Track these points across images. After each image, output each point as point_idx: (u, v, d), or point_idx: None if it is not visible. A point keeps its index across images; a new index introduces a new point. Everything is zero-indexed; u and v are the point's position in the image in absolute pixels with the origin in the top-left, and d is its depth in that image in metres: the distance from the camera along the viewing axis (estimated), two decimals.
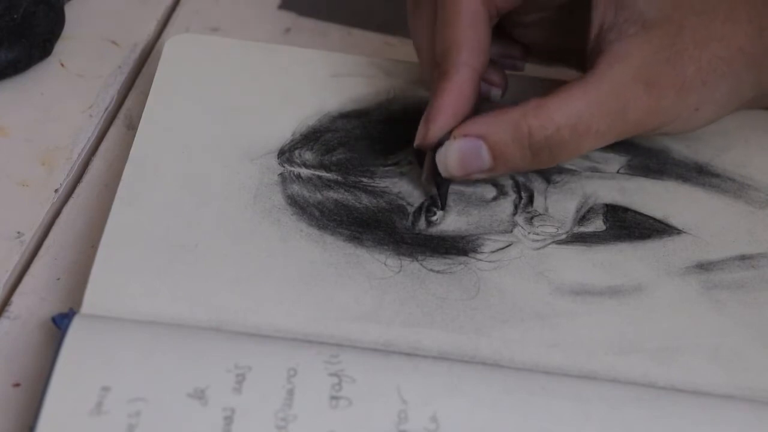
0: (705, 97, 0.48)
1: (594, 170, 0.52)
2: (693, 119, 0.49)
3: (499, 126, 0.46)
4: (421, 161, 0.50)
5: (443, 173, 0.48)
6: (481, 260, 0.47)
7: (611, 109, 0.46)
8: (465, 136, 0.46)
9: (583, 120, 0.46)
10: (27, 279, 0.46)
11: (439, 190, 0.49)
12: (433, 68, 0.49)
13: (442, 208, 0.49)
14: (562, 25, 0.52)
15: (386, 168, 0.51)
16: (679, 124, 0.49)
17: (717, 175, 0.52)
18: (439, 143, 0.47)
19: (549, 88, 0.47)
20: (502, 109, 0.47)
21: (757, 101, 0.51)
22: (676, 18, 0.47)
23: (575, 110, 0.46)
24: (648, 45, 0.46)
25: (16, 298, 0.45)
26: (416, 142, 0.48)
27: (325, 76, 0.55)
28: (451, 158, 0.47)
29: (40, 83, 0.55)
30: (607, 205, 0.50)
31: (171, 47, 0.55)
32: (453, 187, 0.50)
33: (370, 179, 0.50)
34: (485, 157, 0.46)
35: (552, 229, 0.49)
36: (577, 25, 0.49)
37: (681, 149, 0.53)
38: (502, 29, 0.52)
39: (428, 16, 0.50)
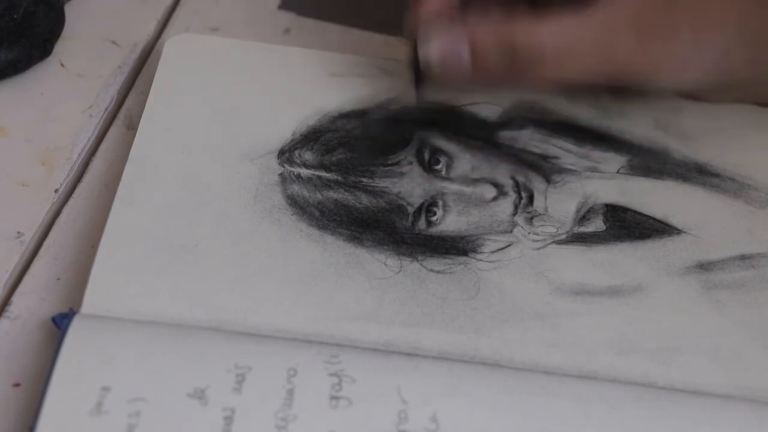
0: (694, 56, 0.48)
1: (594, 170, 0.52)
2: (679, 75, 0.49)
3: (485, 28, 0.47)
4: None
5: (422, 62, 0.48)
6: (481, 260, 0.47)
7: (598, 41, 0.46)
8: (449, 30, 0.47)
9: (568, 41, 0.46)
10: (27, 279, 0.46)
11: (416, 79, 0.49)
12: None
13: (417, 102, 0.49)
14: None
15: (386, 168, 0.51)
16: (664, 77, 0.49)
17: (717, 175, 0.52)
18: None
19: None
20: (490, 17, 0.47)
21: (751, 89, 0.51)
22: None
23: (562, 30, 0.46)
24: None
25: (16, 298, 0.45)
26: (410, 18, 0.49)
27: (325, 76, 0.55)
28: (433, 49, 0.47)
29: (40, 83, 0.55)
30: (607, 205, 0.50)
31: (171, 47, 0.55)
32: (452, 187, 0.50)
33: (370, 179, 0.50)
34: (464, 55, 0.47)
35: (552, 229, 0.49)
36: None
37: (681, 149, 0.53)
38: None
39: None
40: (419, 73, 0.49)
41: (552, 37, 0.46)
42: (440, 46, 0.47)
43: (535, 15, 0.47)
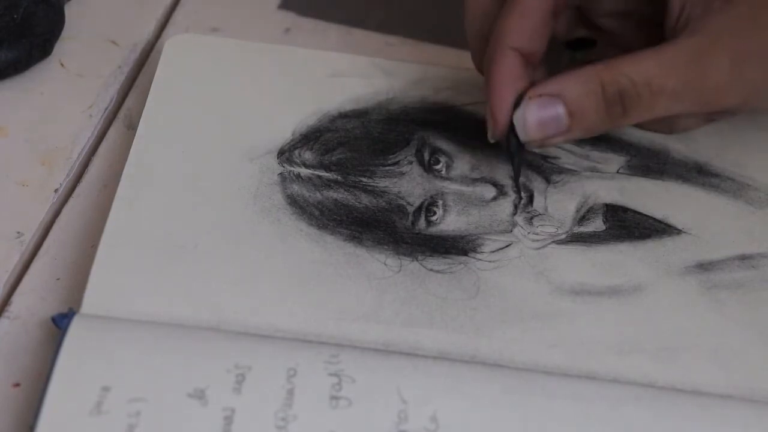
0: None
1: (594, 170, 0.52)
2: None
3: (572, 82, 0.46)
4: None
5: (522, 137, 0.47)
6: (481, 260, 0.47)
7: (688, 71, 0.46)
8: (540, 96, 0.46)
9: (658, 78, 0.45)
10: (27, 279, 0.46)
11: (513, 161, 0.49)
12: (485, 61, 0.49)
13: (516, 180, 0.49)
14: (641, 14, 0.51)
15: (386, 168, 0.51)
16: (762, 99, 0.48)
17: (717, 175, 0.52)
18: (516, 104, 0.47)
19: None
20: (572, 69, 0.47)
21: None
22: None
23: (648, 67, 0.46)
24: (730, 17, 0.46)
25: (16, 298, 0.45)
26: (490, 138, 0.48)
27: (325, 76, 0.55)
28: (528, 121, 0.47)
29: (40, 83, 0.55)
30: (606, 205, 0.50)
31: (171, 47, 0.55)
32: (452, 187, 0.50)
33: (369, 179, 0.50)
34: (562, 117, 0.46)
35: (552, 229, 0.49)
36: (657, 14, 0.49)
37: (681, 149, 0.53)
38: (587, 20, 0.53)
39: (486, 1, 0.50)
40: (514, 151, 0.48)
41: (641, 75, 0.45)
42: (535, 111, 0.46)
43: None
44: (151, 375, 0.40)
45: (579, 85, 0.46)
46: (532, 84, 0.48)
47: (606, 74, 0.46)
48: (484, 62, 0.49)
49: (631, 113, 0.46)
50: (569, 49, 0.53)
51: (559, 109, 0.46)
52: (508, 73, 0.48)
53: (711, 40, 0.46)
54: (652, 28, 0.50)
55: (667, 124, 0.50)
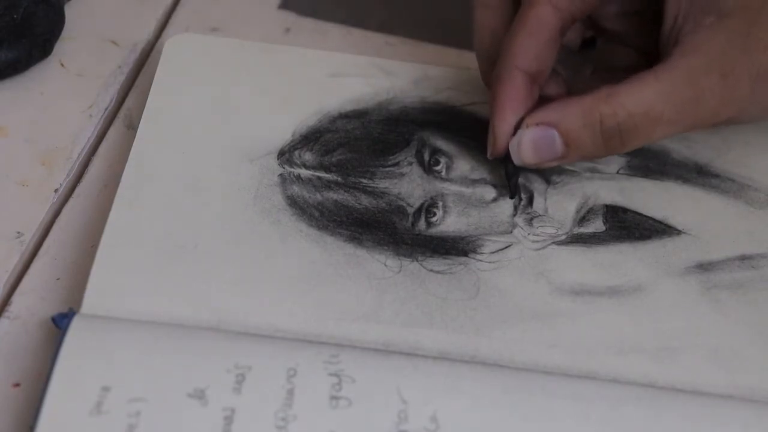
0: None
1: (594, 171, 0.52)
2: None
3: (571, 113, 0.47)
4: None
5: (516, 161, 0.48)
6: (481, 261, 0.47)
7: (684, 97, 0.46)
8: (537, 124, 0.47)
9: (655, 108, 0.46)
10: (27, 279, 0.46)
11: (509, 179, 0.49)
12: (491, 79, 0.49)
13: (512, 197, 0.50)
14: (648, 15, 0.51)
15: (386, 168, 0.51)
16: (755, 113, 0.48)
17: (717, 176, 0.52)
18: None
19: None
20: (572, 98, 0.47)
21: None
22: (753, 6, 0.47)
23: (646, 98, 0.46)
24: (723, 34, 0.46)
25: (16, 298, 0.45)
26: (489, 156, 0.49)
27: (325, 76, 0.55)
28: (524, 147, 0.47)
29: (40, 83, 0.55)
30: (607, 206, 0.50)
31: (171, 47, 0.55)
32: (452, 188, 0.50)
33: (369, 180, 0.50)
34: (558, 145, 0.47)
35: (552, 230, 0.49)
36: (659, 15, 0.49)
37: (681, 150, 0.53)
38: (595, 24, 0.53)
39: (495, 20, 0.50)
40: (511, 170, 0.49)
41: (637, 107, 0.46)
42: (531, 139, 0.47)
43: (610, 78, 0.47)
44: (151, 375, 0.40)
45: (577, 117, 0.47)
46: (535, 106, 0.48)
47: (604, 107, 0.46)
48: (491, 80, 0.49)
49: (629, 143, 0.47)
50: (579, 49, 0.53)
51: (555, 138, 0.47)
52: (512, 95, 0.48)
53: (703, 61, 0.46)
54: (657, 27, 0.50)
55: None
